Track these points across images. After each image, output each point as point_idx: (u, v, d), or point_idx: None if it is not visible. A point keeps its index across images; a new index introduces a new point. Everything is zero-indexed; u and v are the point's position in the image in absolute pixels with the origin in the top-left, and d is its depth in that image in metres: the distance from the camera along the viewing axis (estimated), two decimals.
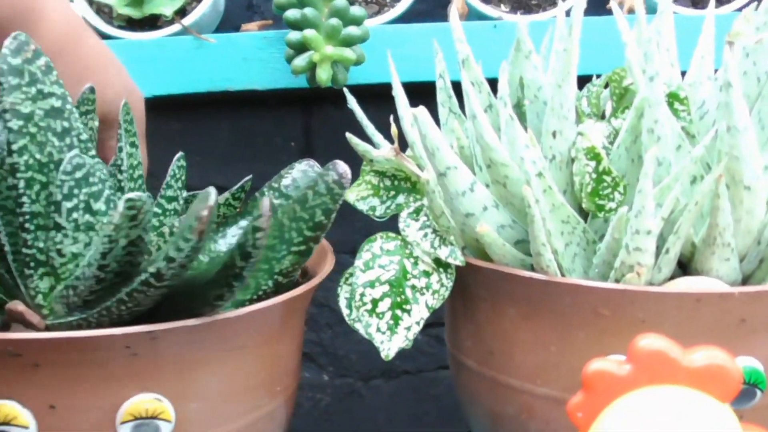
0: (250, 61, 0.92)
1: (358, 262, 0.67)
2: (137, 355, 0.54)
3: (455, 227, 0.66)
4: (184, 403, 0.57)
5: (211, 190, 0.51)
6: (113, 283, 0.55)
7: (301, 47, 0.83)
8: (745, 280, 0.64)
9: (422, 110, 0.62)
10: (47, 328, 0.59)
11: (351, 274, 0.68)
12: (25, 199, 0.57)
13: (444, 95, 0.76)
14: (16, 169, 0.56)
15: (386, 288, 0.66)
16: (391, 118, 0.70)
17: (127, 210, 0.51)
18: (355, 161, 0.79)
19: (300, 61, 0.83)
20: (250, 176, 0.74)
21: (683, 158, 0.63)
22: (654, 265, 0.61)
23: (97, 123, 0.67)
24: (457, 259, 0.65)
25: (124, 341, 0.54)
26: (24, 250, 0.58)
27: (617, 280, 0.61)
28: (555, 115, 0.64)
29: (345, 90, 0.76)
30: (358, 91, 0.78)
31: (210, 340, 0.57)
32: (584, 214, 0.65)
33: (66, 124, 0.58)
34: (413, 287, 0.66)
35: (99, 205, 0.58)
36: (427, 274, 0.66)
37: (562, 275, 0.63)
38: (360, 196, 0.71)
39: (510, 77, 0.70)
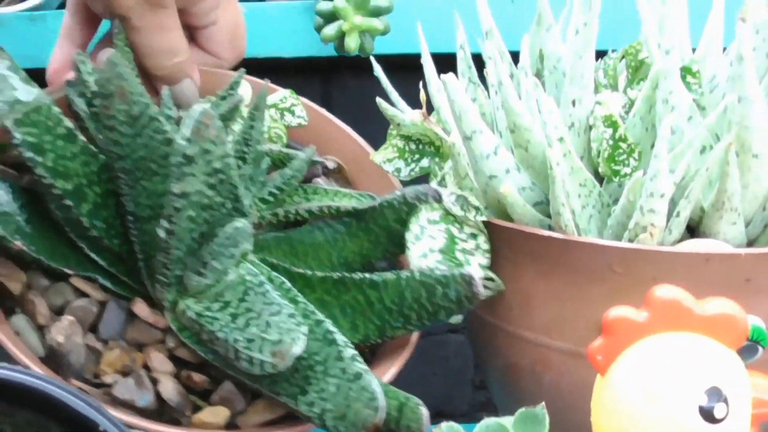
0: (278, 30, 0.96)
1: (409, 236, 0.70)
2: None
3: (478, 189, 0.70)
4: None
5: None
6: None
7: (330, 17, 0.87)
8: (750, 244, 0.68)
9: (451, 77, 0.66)
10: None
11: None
12: (174, 242, 0.60)
13: (464, 66, 0.80)
14: (177, 210, 0.59)
15: (439, 256, 0.70)
16: (420, 84, 0.74)
17: None
18: (374, 129, 0.83)
19: (329, 29, 0.87)
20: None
21: (695, 128, 0.67)
22: (665, 228, 0.65)
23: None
24: (483, 215, 0.69)
25: None
26: (161, 270, 0.62)
27: (631, 240, 0.65)
28: (575, 84, 0.68)
29: (372, 58, 0.79)
30: (380, 61, 0.82)
31: None
32: (600, 179, 0.69)
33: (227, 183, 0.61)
34: (463, 250, 0.70)
35: (241, 271, 0.64)
36: (474, 236, 0.70)
37: (579, 235, 0.67)
38: (386, 158, 0.75)
39: (530, 49, 0.74)
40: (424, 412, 0.64)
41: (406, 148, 0.75)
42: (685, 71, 0.68)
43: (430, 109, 0.75)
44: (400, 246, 0.71)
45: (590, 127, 0.68)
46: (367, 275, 0.69)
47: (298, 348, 0.59)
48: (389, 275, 0.68)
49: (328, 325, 0.64)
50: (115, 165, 0.60)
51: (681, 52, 0.71)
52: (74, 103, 0.69)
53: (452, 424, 0.56)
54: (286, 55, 0.97)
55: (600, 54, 0.75)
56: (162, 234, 0.60)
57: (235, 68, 0.79)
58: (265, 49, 0.96)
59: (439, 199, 0.69)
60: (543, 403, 0.56)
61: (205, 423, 0.64)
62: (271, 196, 0.70)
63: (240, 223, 0.61)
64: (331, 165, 0.79)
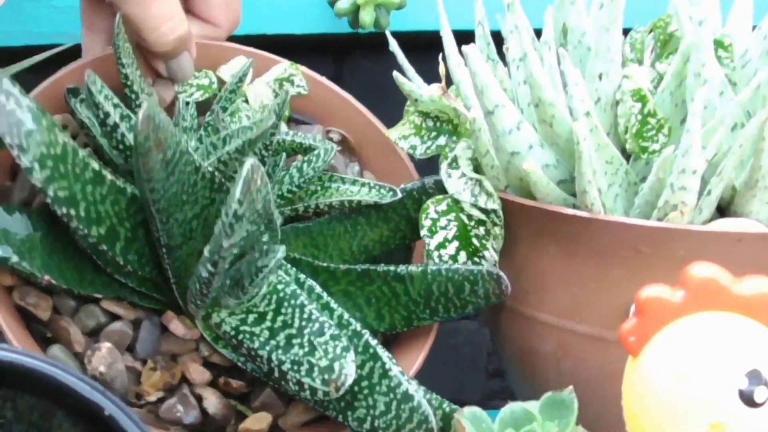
0: (288, 4, 0.93)
1: (423, 231, 0.70)
2: None
3: (499, 166, 0.67)
4: None
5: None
6: None
7: None
8: None
9: (473, 48, 0.63)
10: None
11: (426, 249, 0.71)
12: (215, 279, 0.60)
13: (483, 42, 0.77)
14: (223, 258, 0.59)
15: (457, 243, 0.69)
16: (440, 56, 0.71)
17: None
18: (387, 110, 0.81)
19: (343, 3, 0.84)
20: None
21: (727, 104, 0.64)
22: (695, 207, 0.62)
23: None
24: (495, 202, 0.68)
25: None
26: (196, 294, 0.62)
27: (660, 219, 0.62)
28: (601, 57, 0.65)
29: (387, 33, 0.77)
30: (395, 38, 0.79)
31: None
32: (626, 157, 0.67)
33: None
34: (477, 236, 0.69)
35: (271, 278, 0.66)
36: (482, 222, 0.69)
37: (605, 214, 0.64)
38: (402, 135, 0.72)
39: (554, 23, 0.71)
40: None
41: (423, 126, 0.73)
42: (718, 44, 0.65)
43: (449, 84, 0.72)
44: (420, 235, 0.71)
45: (617, 103, 0.65)
46: (391, 267, 0.70)
47: (351, 378, 0.61)
48: (414, 269, 0.69)
49: (368, 337, 0.65)
50: (150, 208, 0.60)
51: (714, 24, 0.68)
52: (78, 111, 0.68)
53: (475, 409, 0.54)
54: (297, 31, 0.94)
55: (624, 31, 0.73)
56: (204, 273, 0.60)
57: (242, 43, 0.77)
58: (274, 26, 0.94)
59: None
60: (571, 387, 0.54)
61: (250, 430, 0.66)
62: (290, 193, 0.71)
63: (278, 253, 0.63)
64: (336, 137, 0.79)
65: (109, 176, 0.62)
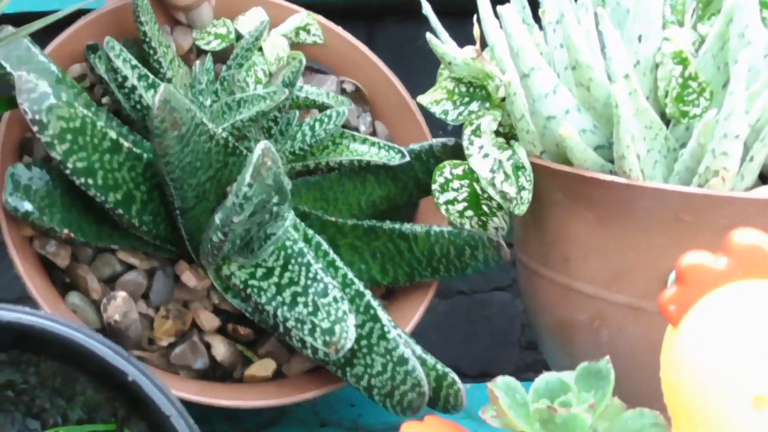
0: None
1: (435, 186, 0.70)
2: None
3: (535, 131, 0.66)
4: None
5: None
6: None
7: None
8: None
9: (509, 8, 0.62)
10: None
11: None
12: (226, 243, 0.63)
13: (518, 5, 0.75)
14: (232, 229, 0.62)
15: (466, 204, 0.71)
16: (474, 18, 0.70)
17: None
18: (418, 76, 0.80)
19: None
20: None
21: None
22: (737, 173, 0.60)
23: None
24: (512, 185, 0.68)
25: None
26: (208, 251, 0.65)
27: (700, 186, 0.61)
28: (640, 20, 0.64)
29: None
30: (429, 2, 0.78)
31: None
32: (666, 122, 0.65)
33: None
34: (488, 205, 0.70)
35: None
36: (491, 198, 0.70)
37: (644, 180, 0.62)
38: (434, 99, 0.71)
39: None
40: (462, 390, 0.69)
41: (456, 91, 0.72)
42: (763, 5, 0.63)
43: (484, 48, 0.71)
44: (426, 191, 0.73)
45: (657, 66, 0.64)
46: (396, 225, 0.73)
47: (350, 342, 0.64)
48: (418, 229, 0.72)
49: (369, 298, 0.68)
50: (165, 177, 0.62)
51: None
52: (97, 67, 0.70)
53: (508, 378, 0.52)
54: None
55: None
56: (215, 239, 0.62)
57: None
58: None
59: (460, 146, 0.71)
60: (607, 357, 0.52)
61: (256, 377, 0.70)
62: (301, 150, 0.72)
63: (287, 221, 0.67)
64: (349, 88, 0.80)
65: (126, 144, 0.64)
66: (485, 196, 0.69)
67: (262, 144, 0.59)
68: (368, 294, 0.69)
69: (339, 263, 0.70)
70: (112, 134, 0.64)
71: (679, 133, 0.64)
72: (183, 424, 0.46)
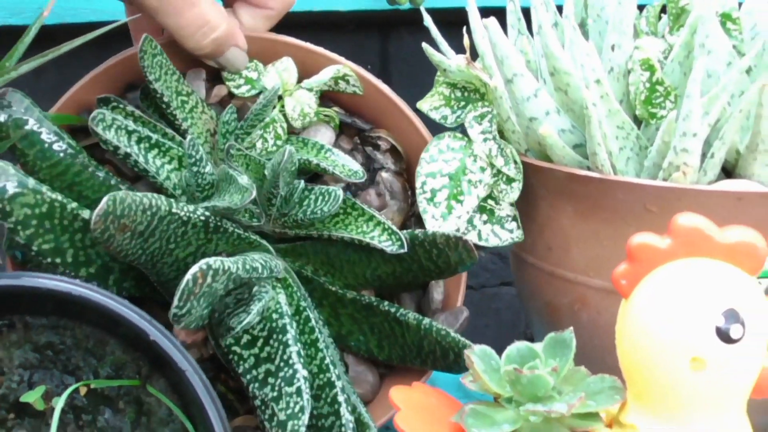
0: None
1: (425, 155, 0.73)
2: None
3: (520, 131, 0.73)
4: None
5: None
6: None
7: None
8: None
9: (493, 20, 0.68)
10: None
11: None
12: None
13: (513, 17, 0.82)
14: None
15: (446, 180, 0.73)
16: (464, 29, 0.76)
17: None
18: (430, 82, 0.85)
19: None
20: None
21: (732, 72, 0.69)
22: (699, 169, 0.67)
23: None
24: (511, 170, 0.72)
25: None
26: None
27: (665, 180, 0.67)
28: (615, 29, 0.70)
29: (422, 9, 0.82)
30: (433, 15, 0.83)
31: None
32: (638, 123, 0.71)
33: None
34: (469, 181, 0.73)
35: (270, 304, 0.68)
36: (482, 169, 0.73)
37: (615, 175, 0.69)
38: (433, 105, 0.77)
39: None
40: None
41: (452, 96, 0.77)
42: (725, 17, 0.70)
43: (475, 56, 0.77)
44: (431, 276, 0.74)
45: (629, 72, 0.70)
46: (392, 309, 0.73)
47: None
48: (411, 318, 0.72)
49: (337, 391, 0.67)
50: (131, 263, 0.63)
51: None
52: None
53: (484, 346, 0.59)
54: (342, 8, 0.99)
55: (641, 7, 0.77)
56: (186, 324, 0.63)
57: (284, 27, 0.78)
58: (320, 3, 0.99)
59: (464, 243, 0.70)
60: (571, 328, 0.59)
61: (242, 427, 0.71)
62: (302, 221, 0.71)
63: (250, 316, 0.64)
64: (384, 146, 0.79)
65: None
66: (474, 168, 0.73)
67: (195, 268, 0.58)
68: (338, 386, 0.68)
69: (320, 345, 0.69)
70: (85, 214, 0.64)
71: (650, 133, 0.71)
72: (197, 379, 0.53)
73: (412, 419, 0.58)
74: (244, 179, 0.67)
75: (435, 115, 0.77)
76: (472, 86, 0.77)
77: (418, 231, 0.72)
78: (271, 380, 0.65)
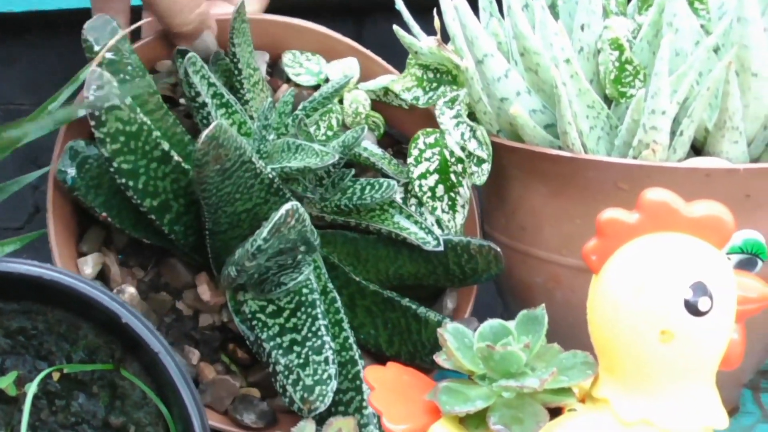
0: None
1: (410, 159, 0.75)
2: None
3: (491, 111, 0.73)
4: None
5: None
6: None
7: None
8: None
9: (463, 2, 0.69)
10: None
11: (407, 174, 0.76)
12: (242, 277, 0.66)
13: (485, 0, 0.82)
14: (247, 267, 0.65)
15: (437, 176, 0.75)
16: (434, 11, 0.76)
17: None
18: (403, 70, 0.85)
19: None
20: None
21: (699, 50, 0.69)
22: (669, 146, 0.67)
23: None
24: (485, 151, 0.73)
25: None
26: (228, 276, 0.67)
27: (635, 158, 0.67)
28: (584, 9, 0.71)
29: None
30: (408, 1, 0.83)
31: None
32: (608, 103, 0.72)
33: None
34: (455, 172, 0.75)
35: (301, 278, 0.70)
36: (460, 160, 0.75)
37: (586, 153, 0.69)
38: (405, 86, 0.78)
39: None
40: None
41: (425, 77, 0.78)
42: None
43: (446, 39, 0.78)
44: (452, 282, 0.76)
45: (599, 51, 0.71)
46: (413, 305, 0.74)
47: (324, 406, 0.66)
48: (432, 316, 0.74)
49: (360, 368, 0.70)
50: (201, 200, 0.65)
51: None
52: (178, 73, 0.73)
53: (456, 324, 0.59)
54: None
55: None
56: (232, 273, 0.65)
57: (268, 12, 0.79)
58: None
59: (496, 253, 0.74)
60: (543, 305, 0.59)
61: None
62: (346, 207, 0.74)
63: (302, 275, 0.69)
64: None
65: (176, 157, 0.67)
66: (453, 160, 0.74)
67: (289, 205, 0.62)
68: (360, 365, 0.70)
69: (345, 325, 0.72)
70: (165, 146, 0.66)
71: (620, 112, 0.71)
72: (170, 361, 0.53)
73: (387, 398, 0.58)
74: (317, 146, 0.69)
75: (407, 96, 0.78)
76: (445, 68, 0.77)
77: (451, 236, 0.74)
78: (296, 348, 0.67)
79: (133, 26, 0.69)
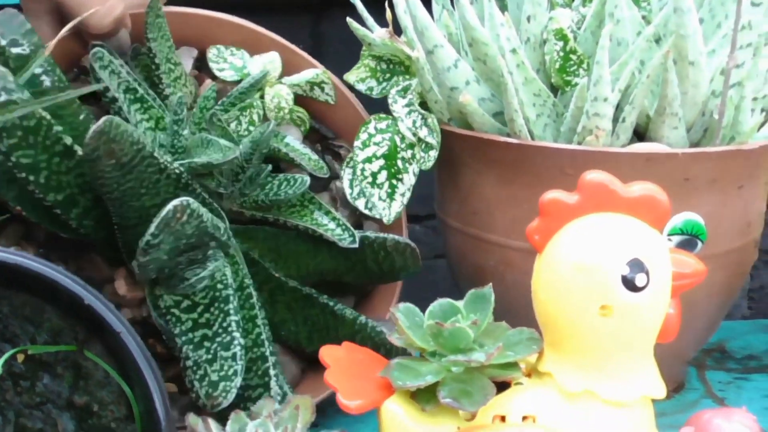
0: None
1: (357, 143, 0.76)
2: None
3: (442, 101, 0.75)
4: None
5: None
6: None
7: None
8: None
9: None
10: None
11: (351, 158, 0.77)
12: (148, 270, 0.66)
13: None
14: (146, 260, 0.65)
15: (382, 162, 0.76)
16: (386, 3, 0.78)
17: None
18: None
19: None
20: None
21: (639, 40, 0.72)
22: (612, 132, 0.70)
23: None
24: (434, 139, 0.75)
25: None
26: (141, 269, 0.67)
27: (579, 143, 0.70)
28: (530, 2, 0.73)
29: None
30: None
31: None
32: (555, 91, 0.74)
33: None
34: (403, 158, 0.76)
35: (216, 274, 0.70)
36: (411, 146, 0.76)
37: (533, 140, 0.72)
38: (359, 77, 0.80)
39: None
40: None
41: (378, 68, 0.80)
42: None
43: (399, 31, 0.80)
44: (371, 279, 0.78)
45: (544, 42, 0.73)
46: (331, 303, 0.76)
47: (227, 402, 0.67)
48: (348, 313, 0.75)
49: (269, 365, 0.71)
50: (103, 195, 0.65)
51: None
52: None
53: (408, 304, 0.62)
54: None
55: None
56: (136, 269, 0.66)
57: (219, 6, 0.79)
58: None
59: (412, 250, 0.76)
60: (490, 284, 0.62)
61: None
62: (263, 203, 0.74)
63: (206, 271, 0.68)
64: (344, 155, 0.80)
65: (80, 152, 0.66)
66: (403, 146, 0.76)
67: (177, 200, 0.61)
68: (270, 361, 0.71)
69: (259, 321, 0.72)
70: (68, 140, 0.65)
71: (566, 100, 0.74)
72: (132, 341, 0.55)
73: (341, 375, 0.60)
74: (224, 142, 0.70)
75: (361, 87, 0.80)
76: (397, 59, 0.80)
77: (369, 232, 0.76)
78: (207, 344, 0.68)
79: (69, 25, 0.68)
